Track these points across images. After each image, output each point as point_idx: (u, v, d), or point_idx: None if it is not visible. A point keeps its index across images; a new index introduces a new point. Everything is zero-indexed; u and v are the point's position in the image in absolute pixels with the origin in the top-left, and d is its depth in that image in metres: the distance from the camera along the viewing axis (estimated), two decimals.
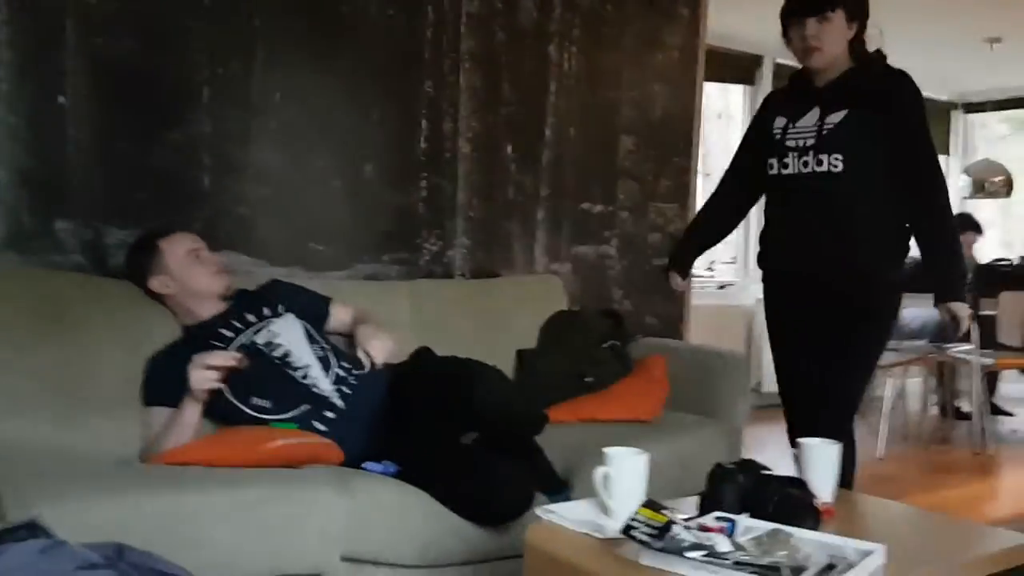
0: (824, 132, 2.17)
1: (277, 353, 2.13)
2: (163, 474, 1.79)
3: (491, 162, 3.11)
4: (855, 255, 2.22)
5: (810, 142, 2.20)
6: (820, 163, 2.19)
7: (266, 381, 2.08)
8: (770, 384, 5.37)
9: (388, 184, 2.88)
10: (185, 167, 2.50)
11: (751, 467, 1.65)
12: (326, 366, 2.15)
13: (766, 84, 5.51)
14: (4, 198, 2.22)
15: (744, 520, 1.46)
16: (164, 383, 2.04)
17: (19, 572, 0.84)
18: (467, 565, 1.95)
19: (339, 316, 2.37)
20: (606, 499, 1.59)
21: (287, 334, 2.17)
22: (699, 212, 2.80)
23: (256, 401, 2.07)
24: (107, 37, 2.35)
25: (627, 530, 1.38)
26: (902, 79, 2.20)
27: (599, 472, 1.60)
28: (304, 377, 2.11)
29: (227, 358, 2.01)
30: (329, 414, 2.09)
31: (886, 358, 4.39)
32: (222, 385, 2.00)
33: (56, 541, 0.94)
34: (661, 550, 1.33)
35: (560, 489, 2.08)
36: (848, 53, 2.23)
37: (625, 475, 1.60)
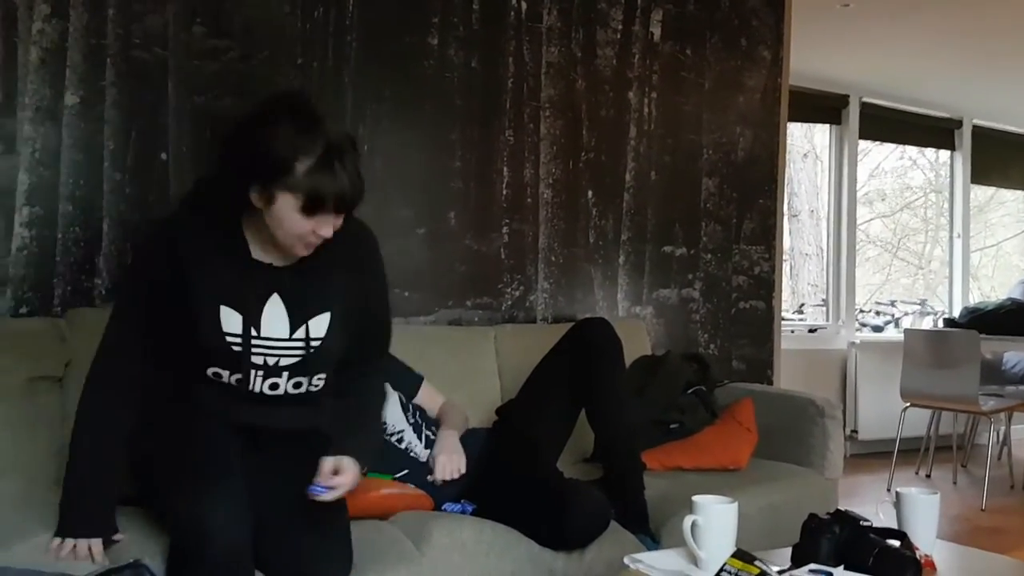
0: None
1: (390, 434, 2.13)
2: None
3: (572, 207, 3.13)
4: None
5: None
6: None
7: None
8: (866, 432, 5.23)
9: (471, 231, 2.92)
10: None
11: (847, 518, 1.59)
12: (418, 432, 2.17)
13: (853, 123, 5.40)
14: (108, 252, 2.33)
15: (839, 572, 1.40)
16: None
17: None
18: None
19: (425, 400, 2.31)
20: (695, 548, 1.55)
21: (387, 405, 2.14)
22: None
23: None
24: (207, 96, 2.47)
25: None
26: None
27: (688, 520, 1.56)
28: (400, 441, 2.13)
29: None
30: (429, 476, 2.10)
31: (989, 403, 4.19)
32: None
33: None
34: None
35: (648, 532, 2.05)
36: None
37: (714, 524, 1.56)
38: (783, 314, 4.17)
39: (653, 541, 2.05)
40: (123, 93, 2.35)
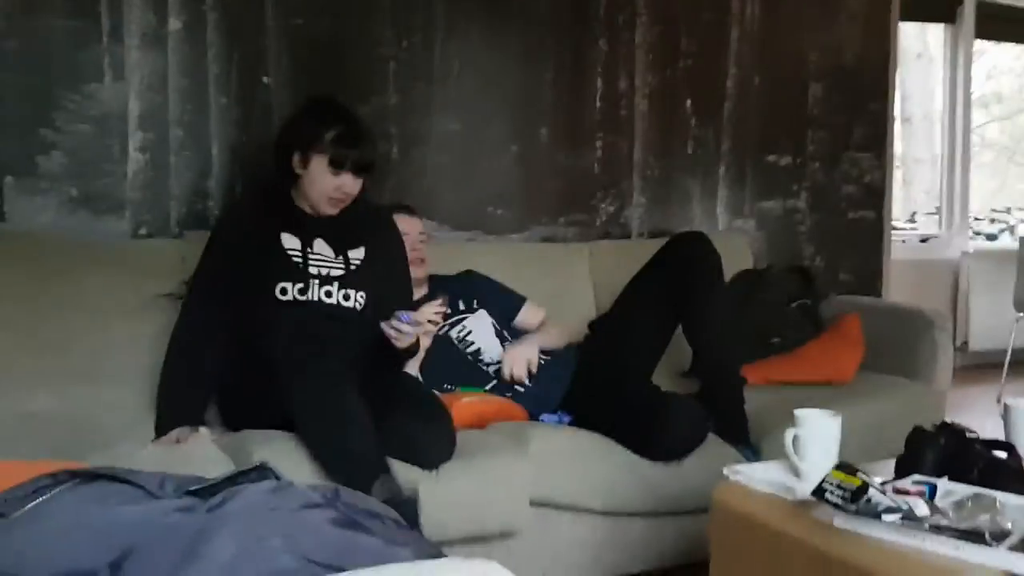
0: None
1: (470, 349, 2.20)
2: None
3: (669, 118, 3.06)
4: None
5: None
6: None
7: (459, 373, 2.16)
8: (977, 342, 5.04)
9: (564, 146, 2.89)
10: (376, 138, 2.63)
11: (953, 430, 1.55)
12: None
13: (968, 21, 5.03)
14: (218, 174, 2.42)
15: (945, 484, 1.39)
16: None
17: (255, 509, 0.94)
18: (652, 518, 1.97)
19: (527, 319, 2.37)
20: (797, 461, 1.55)
21: (479, 331, 2.23)
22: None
23: (448, 387, 2.15)
24: (304, 17, 2.49)
25: (819, 492, 1.34)
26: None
27: (789, 434, 1.56)
28: (495, 372, 2.18)
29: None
30: (518, 387, 2.15)
31: None
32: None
33: (284, 482, 1.05)
34: (856, 513, 1.28)
35: (748, 445, 2.07)
36: None
37: (817, 437, 1.55)
38: (894, 223, 4.01)
39: (754, 454, 2.06)
40: (224, 17, 2.40)
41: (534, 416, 2.11)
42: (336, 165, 1.94)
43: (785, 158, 3.26)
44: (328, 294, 1.96)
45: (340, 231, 2.03)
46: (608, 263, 2.71)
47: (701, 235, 2.29)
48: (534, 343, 2.20)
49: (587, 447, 1.94)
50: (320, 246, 2.00)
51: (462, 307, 2.28)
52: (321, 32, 2.52)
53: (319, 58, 2.53)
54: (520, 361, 2.13)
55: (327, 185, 1.96)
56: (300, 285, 1.94)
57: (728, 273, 2.79)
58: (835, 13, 3.30)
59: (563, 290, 2.62)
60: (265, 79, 2.46)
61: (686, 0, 3.05)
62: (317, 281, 1.96)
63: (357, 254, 2.04)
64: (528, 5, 2.80)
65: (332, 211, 2.00)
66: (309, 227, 2.01)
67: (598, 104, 2.94)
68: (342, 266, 2.00)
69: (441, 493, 1.72)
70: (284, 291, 1.93)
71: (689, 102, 3.08)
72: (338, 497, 1.01)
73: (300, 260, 1.97)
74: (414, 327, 1.84)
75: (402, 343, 1.87)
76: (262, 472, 1.09)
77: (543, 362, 2.19)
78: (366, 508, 1.01)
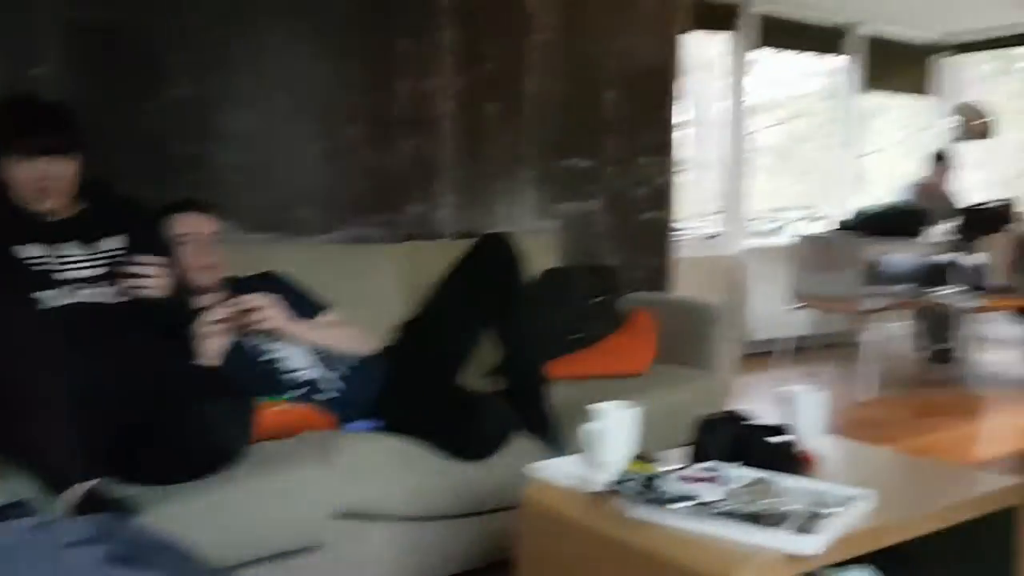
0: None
1: (264, 358, 2.08)
2: None
3: (474, 120, 3.09)
4: None
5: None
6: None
7: (255, 384, 2.02)
8: (757, 333, 5.48)
9: (371, 145, 2.85)
10: (164, 134, 2.48)
11: (738, 416, 1.68)
12: (327, 366, 2.13)
13: (747, 31, 5.46)
14: None
15: (730, 469, 1.49)
16: None
17: (13, 548, 0.85)
18: (461, 519, 1.98)
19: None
20: (596, 454, 1.61)
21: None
22: None
23: None
24: (80, 6, 2.30)
25: (616, 484, 1.40)
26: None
27: (589, 427, 1.62)
28: (302, 381, 2.09)
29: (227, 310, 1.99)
30: (327, 395, 2.09)
31: (871, 303, 4.45)
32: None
33: (47, 518, 0.96)
34: (648, 502, 1.35)
35: (554, 440, 2.13)
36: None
37: (614, 429, 1.62)
38: (683, 223, 4.27)
39: (559, 448, 2.12)
40: None
41: (342, 423, 2.06)
42: (25, 153, 1.87)
43: (583, 162, 3.39)
44: (89, 295, 1.88)
45: (88, 228, 1.95)
46: (418, 264, 2.69)
47: (506, 236, 2.33)
48: (287, 317, 2.11)
49: (394, 453, 1.92)
50: (70, 248, 1.92)
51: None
52: (99, 21, 2.33)
53: (97, 50, 2.34)
54: (270, 305, 2.05)
55: (28, 177, 1.88)
56: (54, 292, 1.85)
57: (534, 272, 2.88)
58: (627, 22, 3.46)
59: (372, 292, 2.58)
60: (35, 71, 2.25)
61: (489, 4, 3.09)
62: (72, 285, 1.88)
63: (112, 243, 1.96)
64: (330, 2, 2.74)
65: (52, 204, 1.91)
66: (54, 232, 1.92)
67: (404, 104, 2.92)
68: (97, 262, 1.92)
69: (236, 511, 1.64)
70: (41, 302, 1.82)
71: (494, 105, 3.13)
72: (112, 531, 0.93)
73: (50, 267, 1.88)
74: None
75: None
76: (22, 508, 0.99)
77: (352, 367, 2.15)
78: (150, 540, 0.94)
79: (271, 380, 2.06)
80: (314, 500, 1.77)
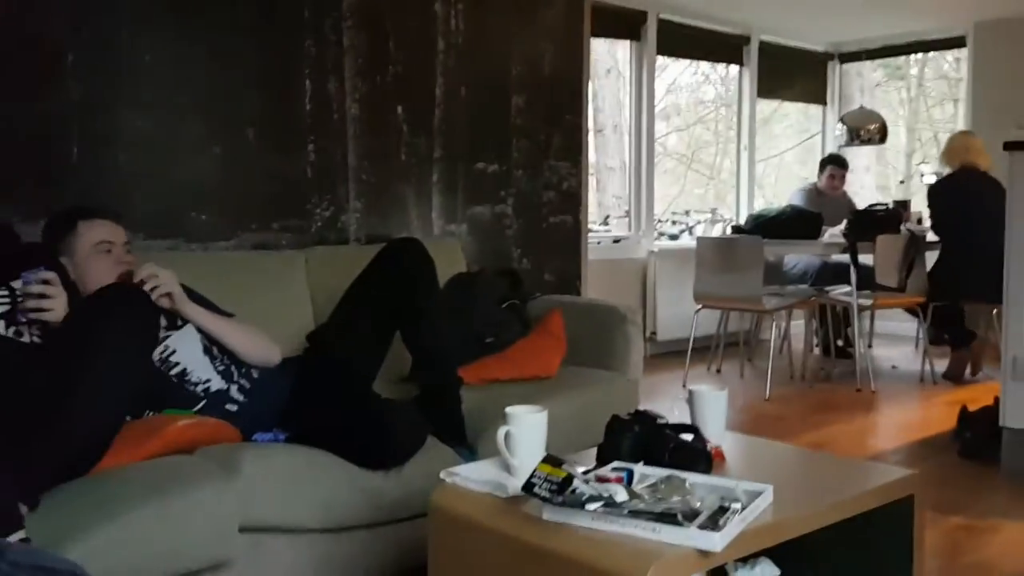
0: None
1: (174, 371, 2.01)
2: None
3: (381, 124, 3.06)
4: None
5: None
6: None
7: (164, 398, 1.97)
8: (664, 333, 5.60)
9: (273, 149, 2.79)
10: (52, 138, 2.36)
11: (646, 416, 1.70)
12: (227, 379, 2.06)
13: (651, 39, 5.58)
14: None
15: (640, 468, 1.51)
16: None
17: None
18: (374, 528, 1.95)
19: None
20: (508, 458, 1.61)
21: (184, 349, 2.03)
22: None
23: (150, 413, 1.96)
24: None
25: (528, 487, 1.40)
26: None
27: (501, 432, 1.62)
28: (204, 392, 2.03)
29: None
30: (230, 407, 2.03)
31: (771, 302, 4.61)
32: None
33: None
34: (561, 504, 1.36)
35: (466, 445, 2.12)
36: None
37: (525, 433, 1.62)
38: (590, 226, 4.33)
39: (471, 453, 2.12)
40: None
41: (248, 436, 2.00)
42: None
43: (493, 166, 3.40)
44: None
45: None
46: (325, 270, 2.65)
47: (414, 241, 2.31)
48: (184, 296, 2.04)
49: (303, 464, 1.88)
50: None
51: (164, 323, 2.10)
52: None
53: None
54: (166, 278, 1.97)
55: None
56: None
57: (443, 277, 2.86)
58: (533, 28, 3.49)
59: (279, 300, 2.52)
60: None
61: (393, 7, 3.06)
62: None
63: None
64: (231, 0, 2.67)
65: None
66: None
67: (308, 107, 2.87)
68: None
69: (139, 532, 1.58)
70: None
71: (400, 108, 3.11)
72: (2, 556, 0.88)
73: None
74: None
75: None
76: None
77: (258, 378, 2.09)
78: (41, 564, 0.89)
79: (178, 392, 1.99)
80: (218, 516, 1.71)
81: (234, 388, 2.05)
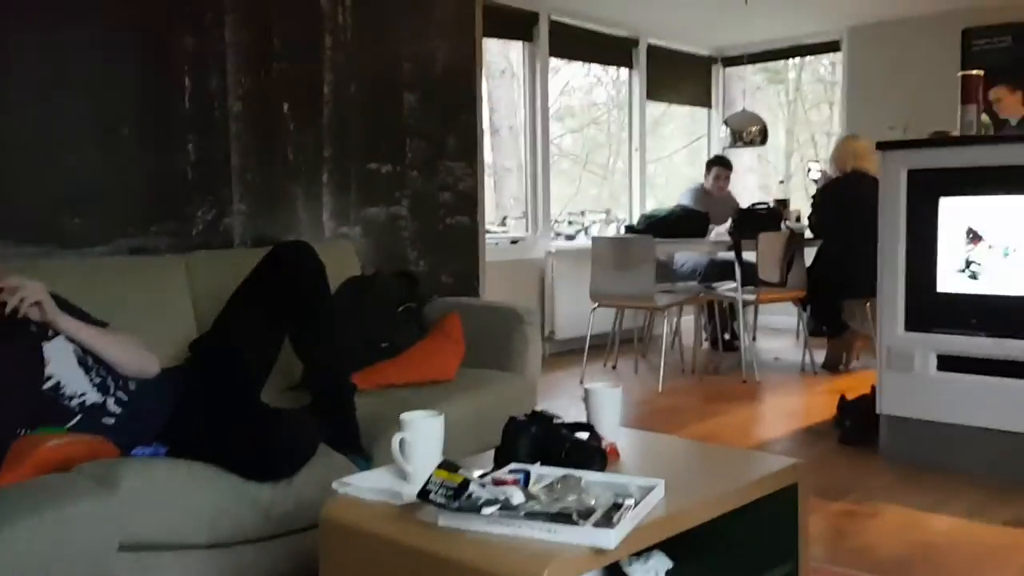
0: None
1: (47, 386, 1.88)
2: None
3: (267, 122, 2.96)
4: None
5: None
6: None
7: (37, 413, 1.84)
8: (562, 332, 5.66)
9: (150, 148, 2.66)
10: None
11: (543, 416, 1.70)
12: (104, 391, 1.95)
13: (543, 40, 5.62)
14: None
15: (536, 469, 1.50)
16: None
17: None
18: (266, 541, 1.88)
19: None
20: (404, 465, 1.57)
21: (58, 361, 1.90)
22: None
23: (21, 431, 1.84)
24: None
25: (423, 494, 1.37)
26: None
27: (396, 438, 1.58)
28: (80, 407, 1.91)
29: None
30: (107, 421, 1.92)
31: (663, 300, 4.72)
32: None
33: None
34: (457, 510, 1.33)
35: (360, 453, 2.07)
36: None
37: (421, 439, 1.59)
38: (488, 227, 4.32)
39: (367, 461, 2.07)
40: None
41: (127, 451, 1.90)
42: None
43: (386, 166, 3.34)
44: None
45: None
46: (208, 275, 2.54)
47: (303, 244, 2.24)
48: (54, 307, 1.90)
49: (185, 478, 1.79)
50: None
51: (34, 329, 1.96)
52: None
53: None
54: (32, 288, 1.84)
55: None
56: None
57: (335, 280, 2.79)
58: (424, 26, 3.45)
59: (158, 307, 2.40)
60: None
61: (277, 1, 2.97)
62: None
63: None
64: None
65: None
66: None
67: (187, 104, 2.75)
68: None
69: (8, 551, 1.47)
70: None
71: (287, 106, 3.02)
72: None
73: None
74: None
75: None
76: None
77: (136, 390, 1.98)
78: None
79: (52, 407, 1.87)
80: (96, 533, 1.61)
81: (111, 401, 1.94)
